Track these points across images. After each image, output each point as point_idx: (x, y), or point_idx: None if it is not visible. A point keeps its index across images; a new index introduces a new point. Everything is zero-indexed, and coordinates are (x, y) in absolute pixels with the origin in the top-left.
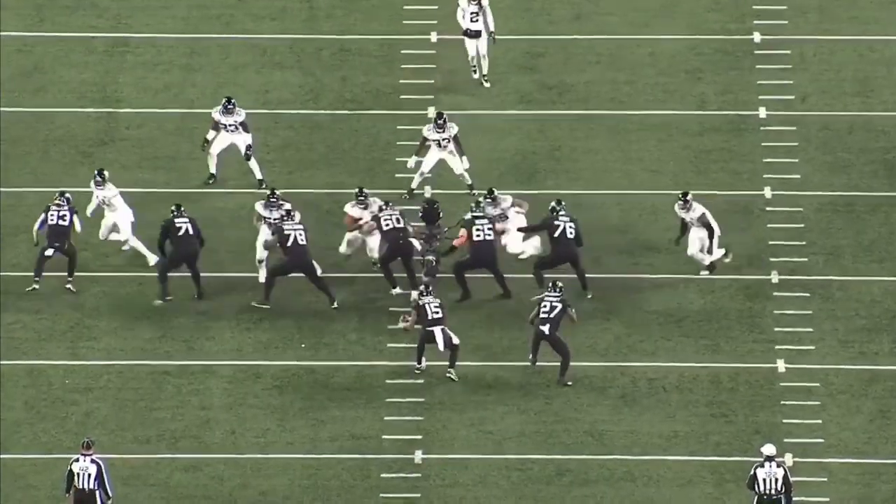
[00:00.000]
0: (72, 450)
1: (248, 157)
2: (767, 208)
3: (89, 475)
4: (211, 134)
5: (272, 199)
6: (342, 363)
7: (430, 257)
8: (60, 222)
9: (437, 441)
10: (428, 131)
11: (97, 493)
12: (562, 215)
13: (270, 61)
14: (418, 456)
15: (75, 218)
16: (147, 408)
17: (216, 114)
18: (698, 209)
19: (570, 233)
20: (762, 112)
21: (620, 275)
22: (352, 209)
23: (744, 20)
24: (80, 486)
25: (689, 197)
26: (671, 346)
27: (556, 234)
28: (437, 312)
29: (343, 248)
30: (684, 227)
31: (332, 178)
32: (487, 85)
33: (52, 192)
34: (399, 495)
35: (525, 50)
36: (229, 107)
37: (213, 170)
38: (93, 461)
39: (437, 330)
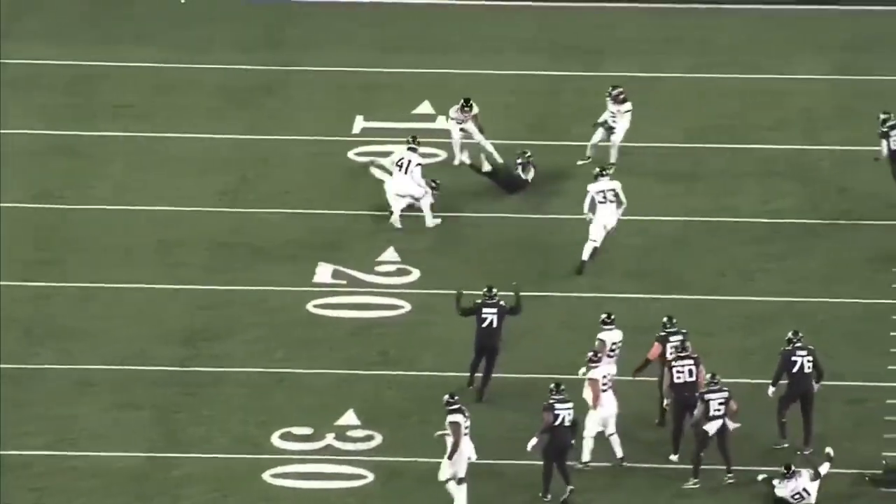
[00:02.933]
0: None
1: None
2: None
3: None
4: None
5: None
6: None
7: None
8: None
9: None
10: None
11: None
12: (798, 348)
13: (768, 170)
14: None
15: None
16: None
17: (455, 112)
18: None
19: (808, 367)
20: None
21: None
22: None
23: None
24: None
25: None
26: None
27: (794, 370)
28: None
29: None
30: None
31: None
32: None
33: None
34: None
35: None
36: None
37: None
38: None
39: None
